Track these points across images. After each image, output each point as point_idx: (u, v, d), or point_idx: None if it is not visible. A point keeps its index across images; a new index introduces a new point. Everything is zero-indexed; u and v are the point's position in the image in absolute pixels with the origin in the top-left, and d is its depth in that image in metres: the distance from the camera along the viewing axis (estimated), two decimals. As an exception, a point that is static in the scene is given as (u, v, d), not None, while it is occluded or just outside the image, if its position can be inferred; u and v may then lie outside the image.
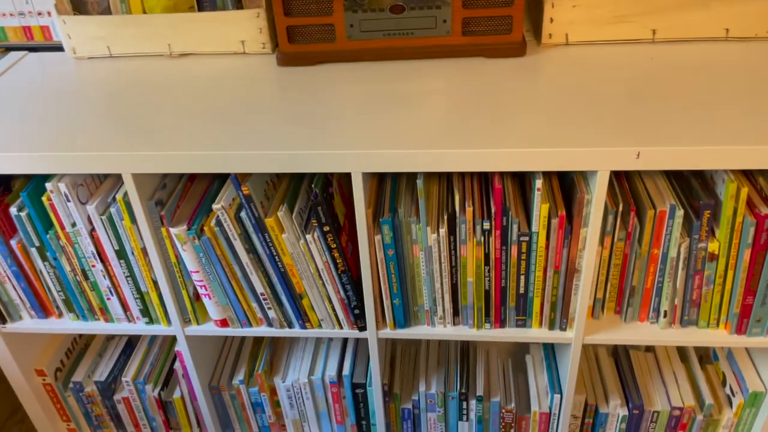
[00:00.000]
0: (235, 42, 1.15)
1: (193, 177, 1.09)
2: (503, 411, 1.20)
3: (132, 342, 1.36)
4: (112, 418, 1.32)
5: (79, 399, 1.29)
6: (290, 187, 1.04)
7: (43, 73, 1.17)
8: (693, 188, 0.97)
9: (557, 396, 1.16)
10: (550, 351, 1.25)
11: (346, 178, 1.13)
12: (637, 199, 0.98)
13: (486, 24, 1.07)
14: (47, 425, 1.31)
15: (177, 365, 1.22)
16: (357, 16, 1.06)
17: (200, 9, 1.15)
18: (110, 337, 1.37)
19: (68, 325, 1.14)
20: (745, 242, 0.94)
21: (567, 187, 0.98)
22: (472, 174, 1.03)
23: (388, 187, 1.03)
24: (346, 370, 1.22)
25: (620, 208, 0.95)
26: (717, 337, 1.04)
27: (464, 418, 1.23)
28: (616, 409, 1.18)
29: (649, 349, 1.28)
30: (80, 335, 1.37)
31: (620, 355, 1.26)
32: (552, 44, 1.12)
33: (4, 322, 1.15)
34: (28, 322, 1.15)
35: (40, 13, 1.27)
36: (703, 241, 0.96)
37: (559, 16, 1.08)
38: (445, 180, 1.04)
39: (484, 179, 1.03)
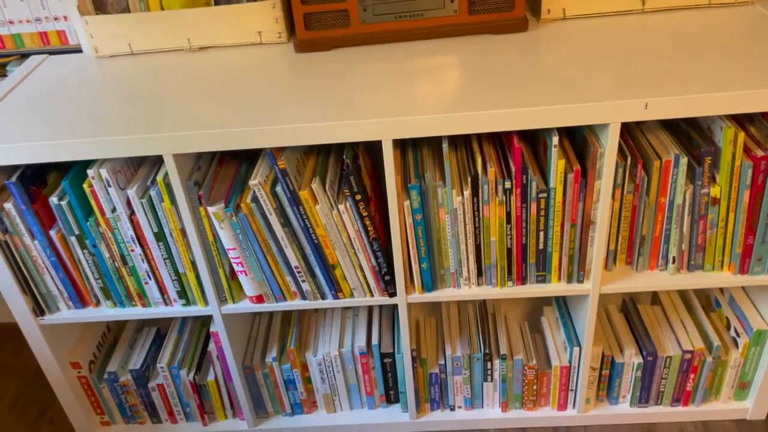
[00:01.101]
0: (252, 33, 1.21)
1: (221, 161, 1.14)
2: (526, 368, 1.27)
3: (161, 332, 1.40)
4: (146, 407, 1.36)
5: (113, 389, 1.33)
6: (318, 162, 1.10)
7: (67, 72, 1.21)
8: (692, 139, 1.05)
9: (576, 348, 1.23)
10: (564, 310, 1.32)
11: (369, 152, 1.19)
12: (642, 153, 1.06)
13: (490, 2, 1.15)
14: (82, 418, 1.34)
15: (211, 347, 1.26)
16: (370, 0, 1.13)
17: (216, 3, 1.21)
18: (139, 329, 1.41)
19: (106, 312, 1.18)
20: (744, 184, 1.02)
21: (578, 145, 1.06)
22: (488, 138, 1.10)
23: (411, 158, 1.10)
24: (374, 340, 1.28)
25: (628, 162, 1.03)
26: (722, 278, 1.12)
27: (488, 378, 1.29)
28: (631, 358, 1.25)
29: (656, 301, 1.36)
30: (109, 329, 1.40)
31: (630, 310, 1.34)
32: (550, 19, 1.20)
33: (43, 314, 1.18)
34: (66, 313, 1.19)
35: (56, 18, 1.32)
36: (705, 187, 1.04)
37: (556, -9, 1.17)
38: (463, 147, 1.11)
39: (499, 144, 1.10)
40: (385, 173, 1.00)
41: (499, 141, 1.11)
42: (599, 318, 1.34)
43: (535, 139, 1.11)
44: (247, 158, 1.16)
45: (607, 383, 1.30)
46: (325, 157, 1.12)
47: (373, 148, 1.24)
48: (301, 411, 1.37)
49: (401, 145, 1.12)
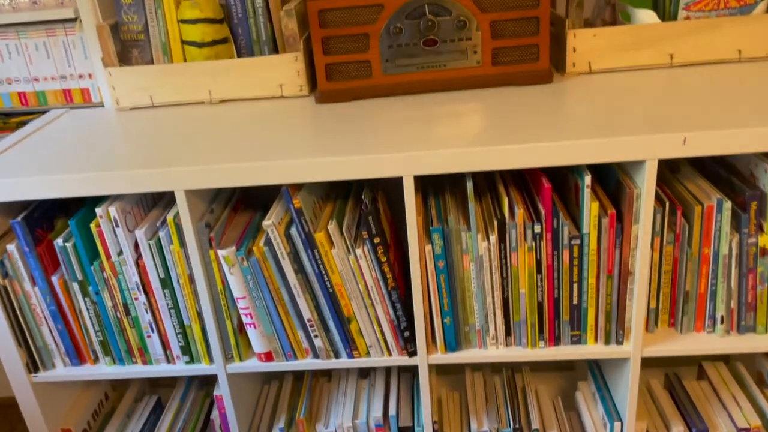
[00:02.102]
0: (274, 86, 1.21)
1: (235, 208, 1.10)
2: (561, 447, 1.14)
3: (161, 402, 1.30)
4: (139, 485, 1.23)
5: (105, 463, 1.21)
6: (335, 208, 1.05)
7: (86, 122, 1.20)
8: (734, 185, 0.99)
9: (617, 424, 1.10)
10: (602, 382, 1.20)
11: (389, 202, 1.14)
12: (681, 201, 0.99)
13: (514, 53, 1.13)
14: (69, 497, 1.22)
15: (214, 414, 1.16)
16: (392, 51, 1.13)
17: (239, 56, 1.21)
18: (138, 398, 1.31)
19: (104, 370, 1.10)
20: (795, 232, 0.95)
21: (610, 192, 1.00)
22: (514, 184, 1.05)
23: (433, 204, 1.04)
24: (392, 411, 1.16)
25: (667, 208, 0.96)
26: (778, 341, 1.02)
27: (519, 459, 1.16)
28: (679, 437, 1.12)
29: (702, 377, 1.24)
30: (107, 397, 1.31)
31: (674, 385, 1.21)
32: (576, 73, 1.18)
33: (37, 370, 1.10)
34: (61, 370, 1.11)
35: (81, 76, 1.34)
36: (752, 236, 0.96)
37: (582, 45, 1.15)
38: (488, 194, 1.06)
39: (526, 191, 1.04)
40: (405, 220, 0.94)
41: (526, 189, 1.05)
42: (641, 393, 1.22)
43: (563, 187, 1.05)
44: (263, 208, 1.12)
45: (653, 468, 1.16)
46: (342, 203, 1.07)
47: (392, 197, 1.19)
48: (310, 494, 1.23)
49: (423, 191, 1.07)
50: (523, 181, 1.07)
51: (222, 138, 1.04)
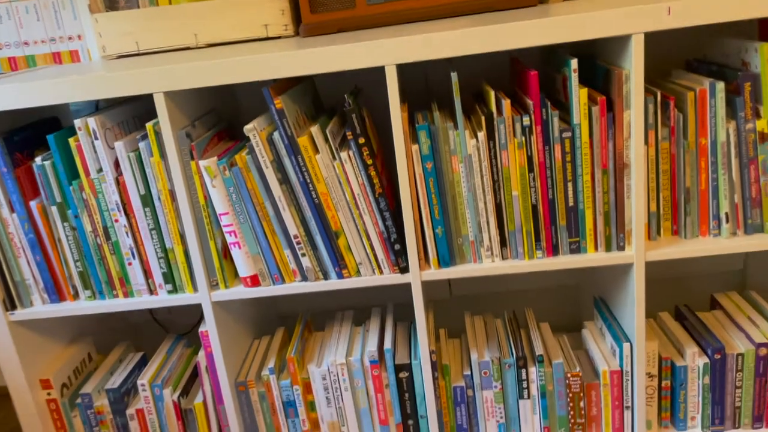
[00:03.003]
0: (259, 26, 1.21)
1: (220, 136, 1.08)
2: (569, 376, 1.07)
3: (146, 359, 1.24)
4: (122, 444, 1.16)
5: (85, 419, 1.14)
6: (319, 121, 1.02)
7: (71, 68, 1.20)
8: (726, 75, 0.96)
9: (626, 345, 1.04)
10: (608, 314, 1.14)
11: (375, 112, 1.12)
12: (673, 93, 0.97)
13: (496, -23, 1.13)
14: (48, 459, 1.14)
15: (200, 355, 1.10)
16: (374, -21, 1.13)
17: None
18: (123, 358, 1.25)
19: (83, 305, 1.05)
20: (793, 112, 0.91)
21: (599, 86, 0.98)
22: (501, 90, 1.02)
23: (420, 116, 1.02)
24: (387, 345, 1.10)
25: (658, 98, 0.94)
26: (788, 239, 0.97)
27: (525, 394, 1.08)
28: (694, 359, 1.04)
29: (715, 307, 1.17)
30: (90, 358, 1.25)
31: (686, 316, 1.15)
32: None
33: (14, 307, 1.06)
34: (40, 307, 1.06)
35: (70, 38, 1.34)
36: (750, 121, 0.93)
37: (563, -31, 1.15)
38: (474, 103, 1.04)
39: (513, 95, 1.02)
40: (393, 141, 0.92)
41: (514, 95, 1.03)
42: (651, 326, 1.15)
43: (549, 87, 1.03)
44: (246, 139, 1.09)
45: (670, 399, 1.08)
46: (326, 119, 1.05)
47: (376, 116, 1.16)
48: (304, 449, 1.15)
49: (409, 105, 1.05)
50: (512, 92, 1.05)
51: (205, 55, 1.03)
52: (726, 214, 0.97)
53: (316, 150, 0.95)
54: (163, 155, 0.96)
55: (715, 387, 1.06)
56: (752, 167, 0.95)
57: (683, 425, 1.09)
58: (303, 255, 1.01)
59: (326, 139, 0.96)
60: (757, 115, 0.94)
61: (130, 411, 1.13)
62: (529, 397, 1.09)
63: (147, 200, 0.99)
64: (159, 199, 0.99)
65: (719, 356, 1.04)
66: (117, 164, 0.99)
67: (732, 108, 0.94)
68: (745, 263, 1.36)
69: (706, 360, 1.04)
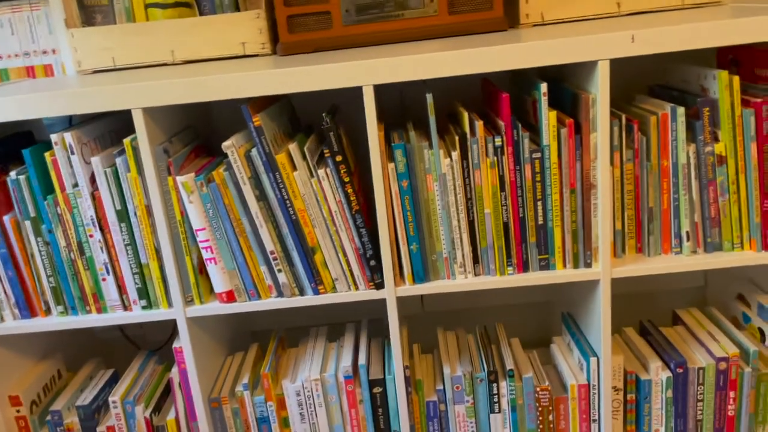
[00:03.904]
0: (236, 44, 1.22)
1: (197, 153, 1.09)
2: (538, 390, 1.09)
3: (118, 375, 1.23)
4: (92, 463, 1.14)
5: (55, 437, 1.13)
6: (297, 140, 1.04)
7: (45, 83, 1.20)
8: (687, 100, 1.01)
9: (593, 360, 1.07)
10: (576, 329, 1.17)
11: (352, 130, 1.14)
12: (637, 117, 1.01)
13: (469, 2, 1.17)
14: (14, 478, 1.12)
15: (174, 372, 1.09)
16: (351, 2, 1.16)
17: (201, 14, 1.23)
18: (93, 375, 1.23)
19: (55, 321, 1.04)
20: (748, 136, 0.96)
21: (567, 109, 1.02)
22: (474, 111, 1.05)
23: (396, 135, 1.04)
24: (362, 361, 1.11)
25: (623, 121, 0.98)
26: (744, 257, 1.01)
27: (496, 408, 1.11)
28: (658, 373, 1.08)
29: (677, 322, 1.22)
30: (60, 375, 1.23)
31: (649, 331, 1.19)
32: (530, 24, 1.22)
33: (-17, 323, 1.04)
34: (10, 323, 1.05)
35: (45, 52, 1.34)
36: (708, 144, 0.98)
37: (533, -4, 1.20)
38: (449, 124, 1.07)
39: (485, 116, 1.05)
40: (369, 157, 0.94)
41: (486, 116, 1.06)
42: (617, 341, 1.19)
43: (519, 107, 1.06)
44: (223, 156, 1.11)
45: (635, 411, 1.11)
46: (304, 137, 1.06)
47: (353, 135, 1.18)
48: (277, 465, 1.15)
49: (385, 128, 1.08)
50: (483, 113, 1.09)
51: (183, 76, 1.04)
52: (687, 232, 1.02)
53: (294, 167, 0.97)
54: (140, 171, 0.97)
55: (678, 400, 1.09)
56: (711, 188, 1.00)
57: (648, 437, 1.12)
58: (279, 271, 1.02)
59: (304, 157, 0.98)
60: (716, 138, 0.99)
61: (101, 428, 1.12)
62: (500, 411, 1.11)
63: (123, 215, 0.99)
64: (135, 214, 0.99)
65: (681, 370, 1.08)
66: (93, 179, 0.99)
67: (692, 132, 0.98)
68: (706, 280, 1.41)
69: (669, 374, 1.08)
